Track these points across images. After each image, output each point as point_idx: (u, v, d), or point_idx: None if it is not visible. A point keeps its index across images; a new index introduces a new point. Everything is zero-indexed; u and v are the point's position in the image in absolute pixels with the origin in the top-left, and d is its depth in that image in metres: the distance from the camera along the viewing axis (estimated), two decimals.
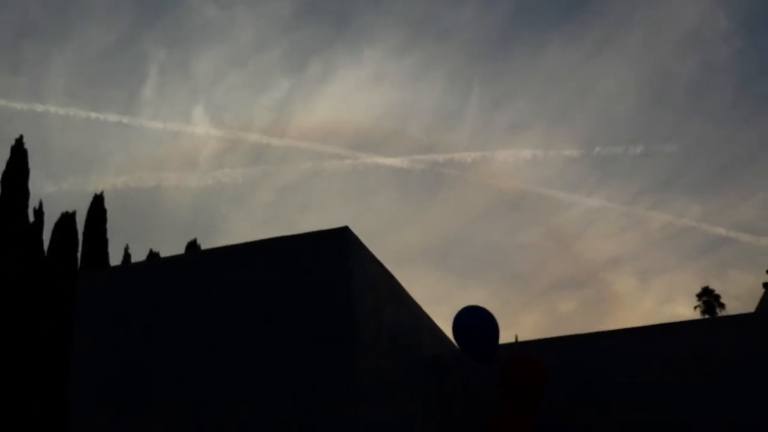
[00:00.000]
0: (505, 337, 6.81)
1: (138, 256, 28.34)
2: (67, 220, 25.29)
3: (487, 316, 6.44)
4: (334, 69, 52.48)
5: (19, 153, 24.76)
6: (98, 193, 26.81)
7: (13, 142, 24.94)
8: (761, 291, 30.18)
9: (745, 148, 60.45)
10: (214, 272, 4.95)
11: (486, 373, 6.82)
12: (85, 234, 25.83)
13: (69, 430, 4.96)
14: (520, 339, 8.45)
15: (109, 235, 26.39)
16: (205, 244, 30.18)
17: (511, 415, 6.20)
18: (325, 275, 4.64)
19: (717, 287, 55.97)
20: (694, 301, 53.73)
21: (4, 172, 24.37)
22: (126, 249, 28.37)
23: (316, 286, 4.64)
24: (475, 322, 6.42)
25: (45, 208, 24.74)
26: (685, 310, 54.65)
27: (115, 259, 26.61)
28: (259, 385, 4.56)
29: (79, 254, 25.20)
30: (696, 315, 52.44)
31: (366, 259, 4.98)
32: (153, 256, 26.20)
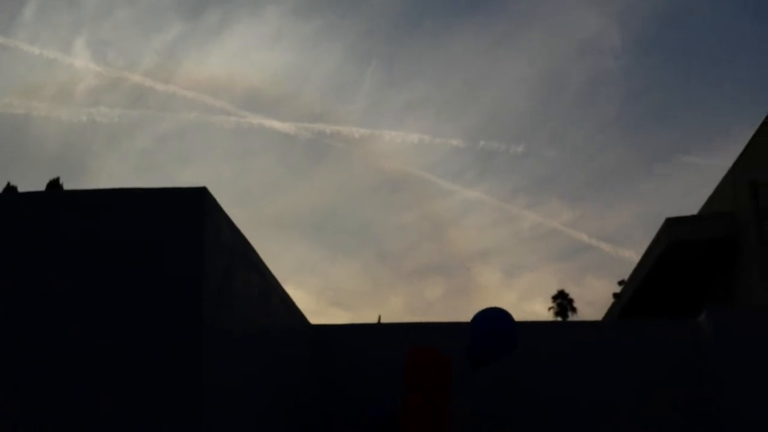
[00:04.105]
0: (370, 316, 6.71)
1: None
2: None
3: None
4: (231, 21, 50.89)
5: None
6: None
7: None
8: (612, 300, 31.70)
9: (620, 162, 63.34)
10: (54, 218, 4.55)
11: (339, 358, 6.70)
12: None
13: None
14: (384, 319, 8.35)
15: None
16: (69, 184, 28.73)
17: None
18: (175, 235, 4.36)
19: (573, 291, 58.66)
20: (550, 302, 56.02)
21: None
22: None
23: (164, 246, 4.35)
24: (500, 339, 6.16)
25: None
26: (542, 309, 56.85)
27: None
28: (84, 362, 4.21)
29: None
30: (550, 315, 54.74)
31: (221, 223, 4.72)
32: (10, 190, 24.71)
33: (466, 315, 6.45)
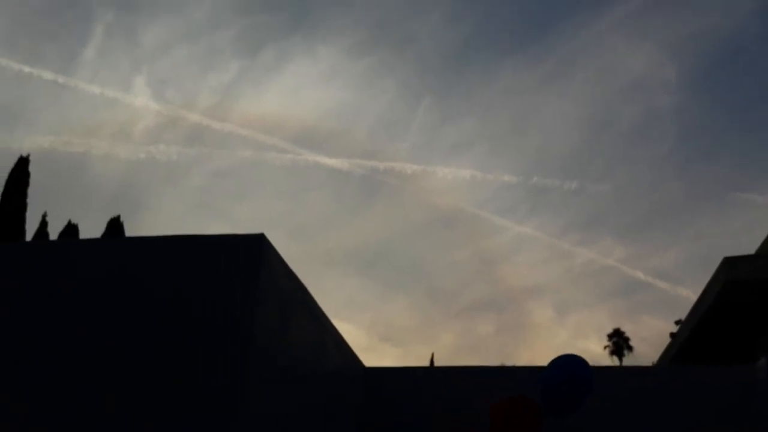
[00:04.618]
0: (421, 352, 6.76)
1: (56, 225, 27.43)
2: None
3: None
4: (286, 60, 51.88)
5: None
6: (24, 155, 25.79)
7: None
8: (669, 339, 31.06)
9: (674, 198, 62.32)
10: (112, 263, 4.76)
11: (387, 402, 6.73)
12: (3, 196, 24.84)
13: None
14: (437, 357, 8.45)
15: (29, 199, 25.45)
16: (129, 222, 29.30)
17: None
18: (232, 284, 4.51)
19: (628, 329, 57.43)
20: (605, 341, 54.97)
21: None
22: (44, 216, 27.40)
23: (220, 294, 4.51)
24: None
25: None
26: (597, 347, 55.86)
27: (31, 225, 25.71)
28: (128, 406, 4.34)
29: None
30: (605, 354, 53.72)
31: (279, 271, 4.86)
32: (71, 228, 25.38)
33: (518, 353, 6.45)
